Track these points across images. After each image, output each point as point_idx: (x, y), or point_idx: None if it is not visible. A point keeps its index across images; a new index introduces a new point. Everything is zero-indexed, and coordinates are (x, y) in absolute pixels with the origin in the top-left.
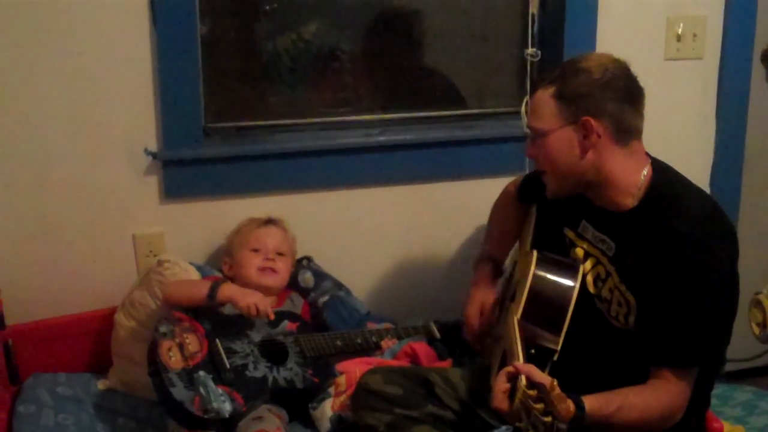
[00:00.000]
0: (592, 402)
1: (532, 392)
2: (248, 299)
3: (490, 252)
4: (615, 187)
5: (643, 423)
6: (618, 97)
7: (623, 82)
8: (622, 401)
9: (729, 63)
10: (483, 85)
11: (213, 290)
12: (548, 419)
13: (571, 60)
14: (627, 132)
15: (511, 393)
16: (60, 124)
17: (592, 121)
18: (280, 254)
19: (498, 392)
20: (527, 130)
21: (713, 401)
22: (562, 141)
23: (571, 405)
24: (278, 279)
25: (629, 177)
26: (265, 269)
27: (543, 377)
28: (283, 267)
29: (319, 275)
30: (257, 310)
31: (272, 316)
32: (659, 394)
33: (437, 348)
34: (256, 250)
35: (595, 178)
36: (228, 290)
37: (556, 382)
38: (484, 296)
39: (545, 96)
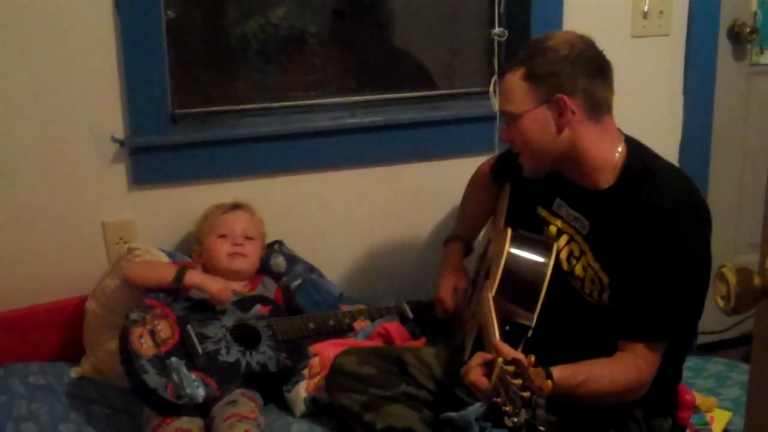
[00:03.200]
0: (560, 372)
1: (510, 368)
2: (218, 284)
3: (460, 232)
4: (591, 164)
5: (610, 394)
6: (588, 71)
7: (591, 56)
8: (589, 372)
9: (695, 39)
10: (451, 65)
11: (179, 275)
12: (526, 394)
13: (536, 40)
14: (599, 106)
15: (489, 371)
16: (26, 113)
17: (566, 98)
18: (248, 238)
19: (473, 366)
20: (496, 112)
21: (685, 373)
22: (537, 121)
23: (549, 380)
24: (248, 262)
25: (605, 154)
26: (234, 254)
27: (518, 354)
28: (253, 250)
29: (291, 259)
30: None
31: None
32: (627, 367)
33: (410, 328)
34: (223, 236)
35: (572, 155)
36: (196, 277)
37: (533, 358)
38: (456, 277)
39: (515, 78)
